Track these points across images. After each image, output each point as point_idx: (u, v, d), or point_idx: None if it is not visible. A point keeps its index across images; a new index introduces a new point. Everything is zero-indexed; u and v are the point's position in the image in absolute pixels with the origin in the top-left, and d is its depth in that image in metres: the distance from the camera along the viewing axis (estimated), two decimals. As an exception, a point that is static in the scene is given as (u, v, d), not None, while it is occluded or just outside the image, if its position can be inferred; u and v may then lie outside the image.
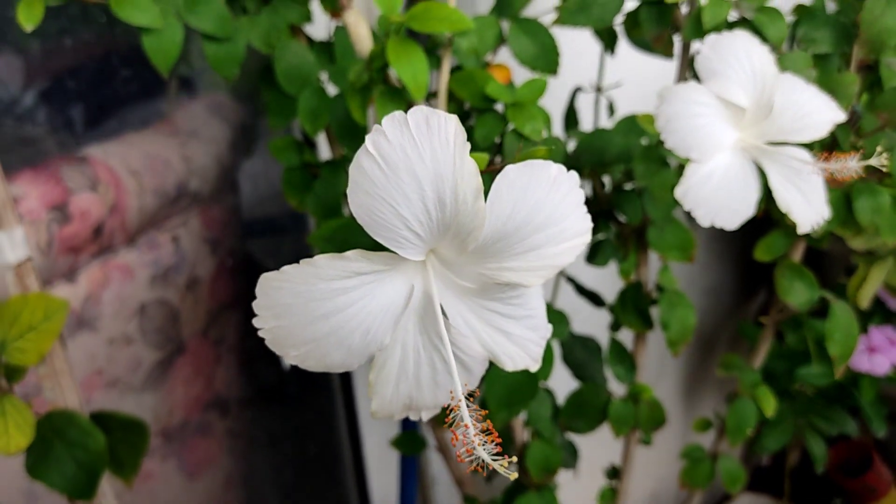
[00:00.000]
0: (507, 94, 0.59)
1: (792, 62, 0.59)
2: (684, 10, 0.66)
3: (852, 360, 0.85)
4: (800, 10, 0.64)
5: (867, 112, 0.60)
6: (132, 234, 0.82)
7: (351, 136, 0.64)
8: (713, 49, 0.44)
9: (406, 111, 0.27)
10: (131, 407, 0.85)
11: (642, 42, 0.71)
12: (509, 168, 0.30)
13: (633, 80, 0.84)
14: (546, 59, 0.65)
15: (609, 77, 0.84)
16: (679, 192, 0.44)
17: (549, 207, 0.30)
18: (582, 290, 0.81)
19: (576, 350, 0.76)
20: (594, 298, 0.80)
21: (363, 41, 0.57)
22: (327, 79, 0.68)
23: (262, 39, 0.63)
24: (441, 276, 0.31)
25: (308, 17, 0.65)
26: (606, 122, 0.82)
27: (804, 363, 0.82)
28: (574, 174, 0.31)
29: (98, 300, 0.80)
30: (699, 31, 0.60)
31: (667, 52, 0.66)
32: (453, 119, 0.28)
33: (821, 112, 0.45)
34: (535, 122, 0.59)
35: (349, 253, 0.28)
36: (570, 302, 0.81)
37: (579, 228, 0.31)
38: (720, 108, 0.43)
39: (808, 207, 0.44)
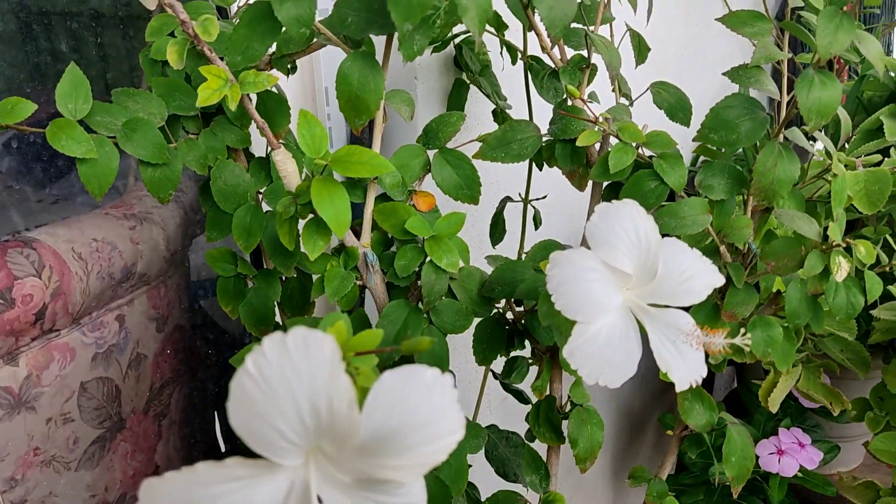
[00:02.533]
0: (426, 228, 0.62)
1: (690, 206, 0.64)
2: (598, 145, 0.71)
3: (762, 462, 0.89)
4: (701, 150, 0.69)
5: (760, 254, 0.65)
6: (76, 316, 0.84)
7: (281, 255, 0.68)
8: (602, 218, 0.48)
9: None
10: (67, 484, 0.86)
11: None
12: (386, 376, 0.33)
13: (558, 193, 0.89)
14: (468, 189, 0.69)
15: (542, 186, 0.89)
16: (566, 352, 0.47)
17: (424, 411, 0.33)
18: (508, 388, 0.84)
19: (499, 446, 0.80)
20: (519, 396, 0.84)
21: (291, 177, 0.60)
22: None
23: (198, 162, 0.66)
24: (323, 469, 0.34)
25: (247, 141, 0.69)
26: (532, 234, 0.87)
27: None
28: (449, 377, 0.35)
29: (38, 381, 0.82)
30: (607, 174, 0.65)
31: (580, 187, 0.70)
32: (329, 339, 0.31)
33: (701, 276, 0.50)
34: (451, 255, 0.63)
35: (229, 460, 0.31)
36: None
37: (453, 427, 0.35)
38: (607, 273, 0.47)
39: (685, 368, 0.48)
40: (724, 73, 0.70)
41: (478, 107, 0.98)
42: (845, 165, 1.04)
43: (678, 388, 0.49)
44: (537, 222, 0.88)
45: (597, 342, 0.47)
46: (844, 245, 0.59)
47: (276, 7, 0.56)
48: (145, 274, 0.94)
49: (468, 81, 0.91)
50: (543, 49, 0.65)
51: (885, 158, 1.07)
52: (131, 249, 0.90)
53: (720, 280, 0.50)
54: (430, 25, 0.57)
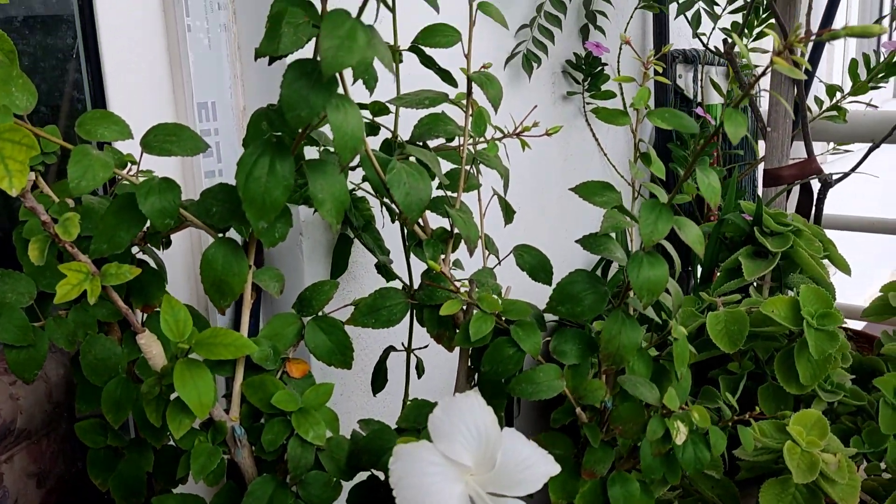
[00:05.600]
0: (293, 402, 0.64)
1: (545, 373, 0.68)
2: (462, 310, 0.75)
3: None
4: (555, 327, 0.74)
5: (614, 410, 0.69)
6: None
7: (151, 429, 0.67)
8: (445, 412, 0.51)
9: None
10: None
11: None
12: None
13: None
14: (341, 355, 0.71)
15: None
16: (414, 538, 0.49)
17: None
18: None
19: None
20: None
21: (156, 359, 0.61)
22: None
23: (66, 339, 0.67)
24: None
25: (119, 315, 0.70)
26: (416, 383, 0.89)
27: None
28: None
29: None
30: (468, 341, 0.69)
31: (449, 349, 0.74)
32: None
33: (538, 466, 0.53)
34: (318, 427, 0.64)
35: None
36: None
37: None
38: (447, 466, 0.50)
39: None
40: (576, 241, 0.77)
41: (365, 256, 1.02)
42: (708, 305, 1.12)
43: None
44: (420, 371, 0.91)
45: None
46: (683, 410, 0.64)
47: (140, 200, 0.59)
48: (26, 429, 0.91)
49: (352, 236, 0.95)
50: (404, 224, 0.70)
51: (745, 297, 1.15)
52: (10, 406, 0.88)
53: (556, 469, 0.53)
54: (288, 218, 0.61)
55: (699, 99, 1.54)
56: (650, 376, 0.70)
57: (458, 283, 0.72)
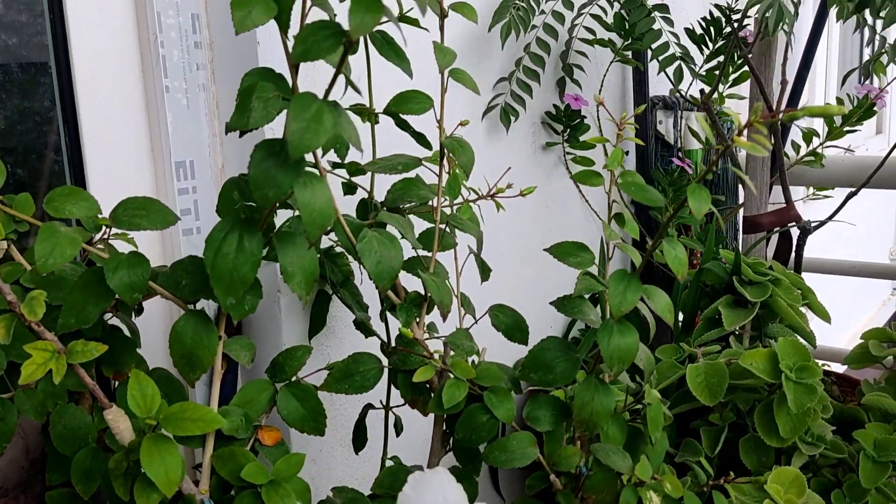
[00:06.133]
0: (263, 475, 0.63)
1: (518, 441, 0.68)
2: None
3: None
4: (530, 391, 0.74)
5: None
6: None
7: (121, 501, 0.67)
8: (413, 488, 0.51)
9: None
10: None
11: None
12: None
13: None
14: (314, 422, 0.71)
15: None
16: None
17: None
18: None
19: None
20: None
21: (123, 434, 0.61)
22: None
23: (36, 411, 0.66)
24: None
25: (91, 377, 0.69)
26: (394, 440, 0.89)
27: None
28: None
29: None
30: (441, 407, 0.68)
31: (424, 413, 0.73)
32: None
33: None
34: (288, 499, 0.64)
35: None
36: None
37: None
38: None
39: None
40: (550, 303, 0.77)
41: (344, 310, 1.02)
42: (689, 356, 1.12)
43: None
44: (398, 429, 0.90)
45: None
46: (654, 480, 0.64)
47: (108, 276, 0.59)
48: (2, 486, 0.90)
49: (330, 292, 0.95)
50: (378, 288, 0.70)
51: (725, 347, 1.16)
52: (-17, 467, 0.87)
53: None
54: (258, 290, 0.61)
55: (679, 144, 1.56)
56: (625, 441, 0.70)
57: (432, 349, 0.72)
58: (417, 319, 0.74)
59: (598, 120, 1.43)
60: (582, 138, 1.32)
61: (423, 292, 0.76)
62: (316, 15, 0.66)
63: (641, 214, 1.54)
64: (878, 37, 0.97)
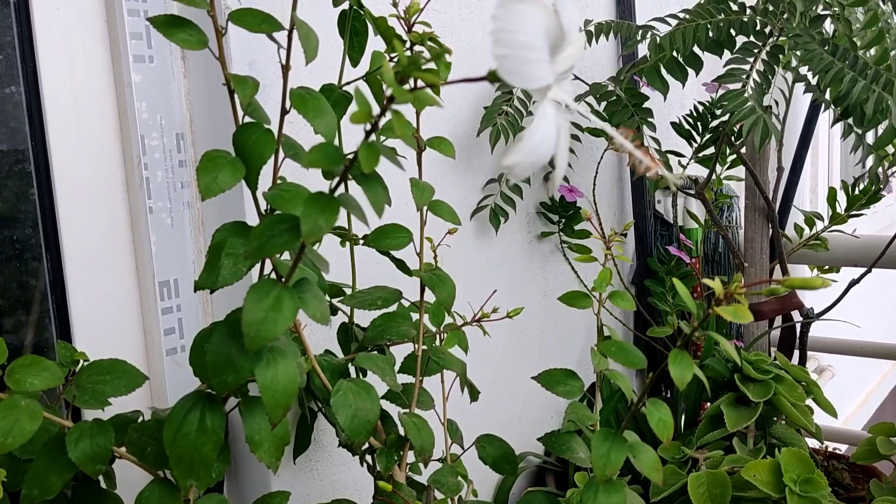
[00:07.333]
0: None
1: None
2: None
3: None
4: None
5: None
6: None
7: None
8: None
9: None
10: None
11: None
12: None
13: None
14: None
15: None
16: None
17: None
18: None
19: None
20: None
21: None
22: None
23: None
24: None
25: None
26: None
27: None
28: None
29: None
30: None
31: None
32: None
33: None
34: None
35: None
36: None
37: None
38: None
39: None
40: (538, 439, 0.74)
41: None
42: (691, 459, 1.08)
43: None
44: None
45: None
46: None
47: (70, 448, 0.57)
48: None
49: (316, 410, 0.93)
50: (352, 444, 0.68)
51: (729, 447, 1.12)
52: None
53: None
54: (226, 455, 0.59)
55: (679, 223, 1.54)
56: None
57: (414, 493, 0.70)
58: (398, 463, 0.72)
59: (595, 203, 1.42)
60: (577, 227, 1.30)
61: (402, 432, 0.73)
62: (288, 166, 0.65)
63: (641, 296, 1.52)
64: (864, 145, 0.95)
